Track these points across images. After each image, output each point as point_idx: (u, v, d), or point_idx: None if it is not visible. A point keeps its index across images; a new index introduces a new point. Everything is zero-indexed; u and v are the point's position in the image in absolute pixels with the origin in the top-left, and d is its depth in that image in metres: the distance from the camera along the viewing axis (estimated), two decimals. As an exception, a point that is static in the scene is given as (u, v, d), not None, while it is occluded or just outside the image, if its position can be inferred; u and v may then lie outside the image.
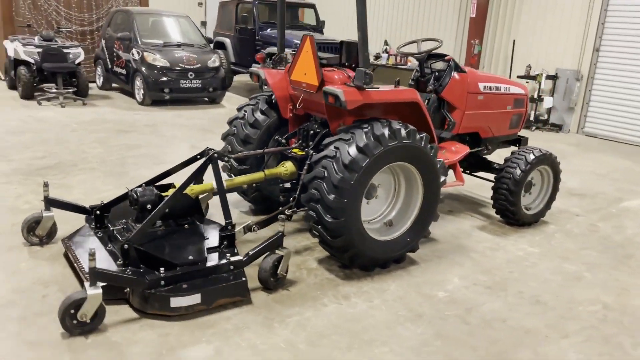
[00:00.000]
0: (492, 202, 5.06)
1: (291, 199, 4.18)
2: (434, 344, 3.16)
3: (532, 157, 4.90)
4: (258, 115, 4.70)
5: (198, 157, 4.04)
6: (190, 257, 3.40)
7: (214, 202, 4.70)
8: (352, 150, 3.64)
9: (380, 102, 3.92)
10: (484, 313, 3.53)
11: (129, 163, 6.36)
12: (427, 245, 4.53)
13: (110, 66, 11.13)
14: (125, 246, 3.35)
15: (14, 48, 9.98)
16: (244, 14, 11.78)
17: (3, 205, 4.80)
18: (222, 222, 3.78)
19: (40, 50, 9.68)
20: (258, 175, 4.33)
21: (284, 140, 4.61)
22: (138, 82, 10.12)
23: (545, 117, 10.60)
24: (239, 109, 4.86)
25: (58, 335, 2.97)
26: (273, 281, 3.62)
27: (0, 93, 10.51)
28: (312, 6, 12.77)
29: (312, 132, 4.43)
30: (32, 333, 2.99)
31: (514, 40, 10.93)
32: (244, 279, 3.42)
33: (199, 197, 4.15)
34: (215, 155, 3.90)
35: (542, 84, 10.29)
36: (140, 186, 3.85)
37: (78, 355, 2.83)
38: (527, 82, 10.84)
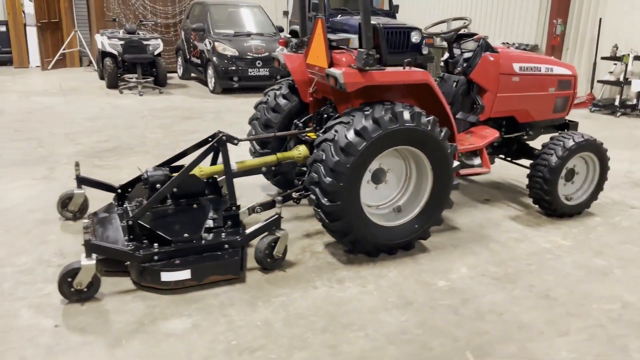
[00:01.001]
0: (532, 190, 4.76)
1: (300, 182, 4.20)
2: (414, 332, 3.06)
3: (571, 143, 4.53)
4: (280, 99, 4.76)
5: (210, 139, 4.17)
6: (185, 235, 3.55)
7: (245, 184, 4.89)
8: (350, 133, 3.59)
9: (386, 84, 3.81)
10: (481, 305, 3.36)
11: (180, 147, 6.68)
12: (445, 233, 4.37)
13: (188, 56, 11.70)
14: (130, 222, 3.57)
15: (101, 41, 10.81)
16: (315, 2, 11.85)
17: (57, 184, 5.26)
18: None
19: (122, 42, 10.39)
20: (271, 158, 4.39)
21: (300, 124, 4.64)
22: (210, 71, 10.56)
23: (634, 101, 9.67)
24: (264, 94, 4.94)
25: (58, 301, 3.24)
26: (270, 262, 3.68)
27: (92, 82, 11.45)
28: (386, -9, 12.56)
29: (326, 115, 4.41)
30: (35, 298, 3.28)
31: (600, 19, 10.05)
32: (236, 257, 3.51)
33: (217, 180, 4.32)
34: (224, 138, 4.01)
35: (629, 65, 9.38)
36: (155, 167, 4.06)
37: (69, 320, 3.07)
38: (614, 65, 9.97)
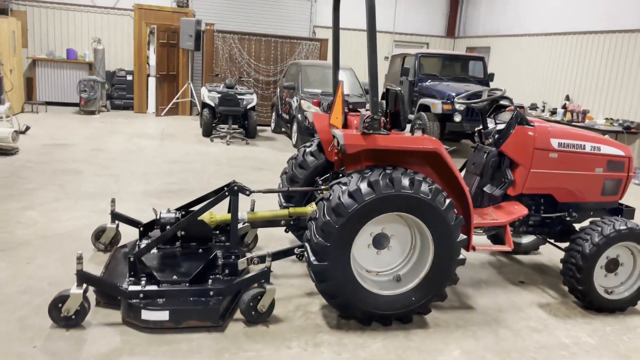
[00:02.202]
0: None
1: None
2: (364, 410, 2.88)
3: (609, 229, 4.09)
4: (308, 156, 4.86)
5: (225, 188, 4.34)
6: (174, 277, 3.68)
7: (275, 235, 4.98)
8: (344, 194, 3.57)
9: (392, 149, 3.75)
10: (453, 394, 3.07)
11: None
12: (454, 311, 4.09)
13: (280, 112, 12.30)
14: (132, 259, 3.78)
15: (203, 93, 11.75)
16: (406, 67, 11.99)
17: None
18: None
19: (219, 95, 11.21)
20: (283, 212, 4.46)
21: (320, 182, 4.67)
22: (294, 127, 10.99)
23: None
24: (298, 150, 5.07)
25: (48, 323, 3.48)
26: (254, 315, 3.68)
27: (192, 130, 12.38)
28: (481, 59, 12.38)
29: (341, 175, 4.41)
30: (32, 316, 3.55)
31: None
32: (217, 306, 3.56)
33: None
34: (235, 188, 4.17)
35: None
36: (168, 210, 4.30)
37: (48, 343, 3.29)
38: None
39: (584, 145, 4.40)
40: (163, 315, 3.48)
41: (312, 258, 3.60)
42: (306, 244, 3.71)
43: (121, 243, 4.76)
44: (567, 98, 12.59)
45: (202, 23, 13.78)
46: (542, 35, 13.97)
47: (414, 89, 11.74)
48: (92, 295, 3.69)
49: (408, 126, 4.38)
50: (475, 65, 12.48)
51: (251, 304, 3.66)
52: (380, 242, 3.85)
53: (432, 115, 10.50)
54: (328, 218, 3.54)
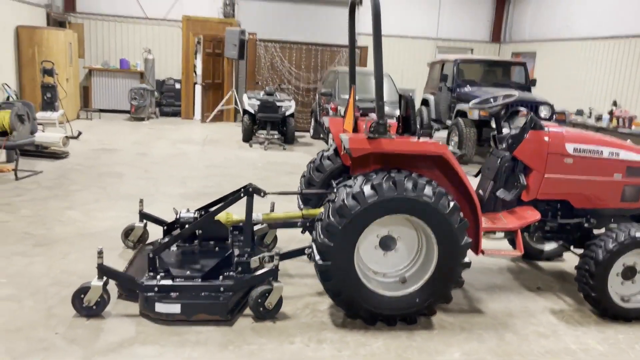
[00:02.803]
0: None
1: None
2: (354, 404, 2.98)
3: (624, 237, 4.01)
4: (325, 160, 5.00)
5: (242, 189, 4.52)
6: (188, 273, 3.90)
7: (296, 237, 5.16)
8: (347, 196, 3.68)
9: (397, 153, 3.84)
10: (446, 393, 3.13)
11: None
12: (462, 314, 4.12)
13: (318, 118, 12.50)
14: (151, 255, 4.03)
15: (244, 100, 12.10)
16: (445, 73, 11.94)
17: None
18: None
19: (259, 102, 11.52)
20: (296, 214, 4.61)
21: (334, 185, 4.78)
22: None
23: None
24: (317, 154, 5.21)
25: (72, 313, 3.76)
26: (262, 311, 3.84)
27: (233, 136, 12.75)
28: (522, 64, 12.17)
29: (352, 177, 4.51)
30: (59, 306, 3.84)
31: None
32: (224, 301, 3.75)
33: (254, 228, 4.66)
34: (250, 189, 4.36)
35: None
36: (188, 210, 4.54)
37: (69, 330, 3.56)
38: None
39: (602, 151, 4.34)
40: (175, 308, 3.70)
41: (317, 257, 3.72)
42: (312, 244, 3.85)
43: (149, 241, 5.03)
44: (615, 104, 12.19)
45: (246, 33, 14.18)
46: (590, 39, 13.58)
47: (452, 95, 11.67)
48: (113, 288, 3.95)
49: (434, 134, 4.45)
50: (517, 70, 12.29)
51: (259, 300, 3.82)
52: (387, 244, 3.93)
53: (469, 121, 10.41)
54: (332, 219, 3.67)
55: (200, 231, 4.35)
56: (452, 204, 3.73)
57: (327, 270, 3.70)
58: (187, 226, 4.33)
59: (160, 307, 3.70)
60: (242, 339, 3.58)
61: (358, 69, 12.67)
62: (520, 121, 4.57)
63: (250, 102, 11.79)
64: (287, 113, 11.70)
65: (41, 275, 4.38)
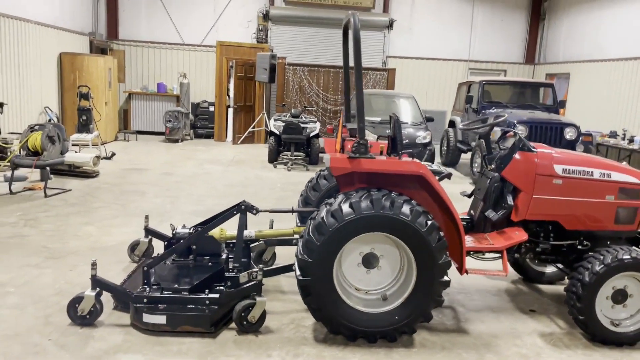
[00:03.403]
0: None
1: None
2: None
3: (610, 258, 3.95)
4: (321, 180, 5.14)
5: (235, 207, 4.70)
6: (176, 285, 4.07)
7: (290, 254, 5.29)
8: (326, 213, 3.80)
9: (378, 173, 3.93)
10: (409, 409, 3.15)
11: (277, 218, 7.35)
12: (446, 334, 4.13)
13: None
14: (145, 268, 4.24)
15: (270, 122, 12.40)
16: (470, 94, 11.91)
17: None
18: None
19: (284, 124, 11.79)
20: (287, 231, 4.73)
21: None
22: (353, 154, 11.28)
23: None
24: (316, 173, 5.35)
25: (67, 320, 3.99)
26: (246, 325, 3.97)
27: (260, 157, 13.03)
28: (550, 85, 12.02)
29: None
30: (57, 314, 4.08)
31: None
32: (208, 313, 3.89)
33: (250, 245, 4.83)
34: (243, 207, 4.53)
35: None
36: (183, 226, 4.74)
37: (61, 337, 3.78)
38: None
39: (592, 172, 4.30)
40: (161, 319, 3.87)
41: (298, 273, 3.84)
42: (295, 260, 3.96)
43: (154, 255, 5.26)
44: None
45: (276, 57, 14.57)
46: (623, 59, 13.29)
47: (477, 117, 11.62)
48: (109, 299, 4.17)
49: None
50: (545, 92, 12.14)
51: (242, 314, 3.95)
52: (369, 261, 4.01)
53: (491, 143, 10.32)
54: (312, 236, 3.78)
55: (194, 247, 4.53)
56: (430, 222, 3.78)
57: (307, 285, 3.81)
58: (182, 241, 4.52)
59: (148, 318, 3.88)
60: (221, 351, 3.71)
61: (379, 91, 12.83)
62: (510, 142, 4.58)
63: (275, 124, 12.07)
64: (312, 134, 11.91)
65: (47, 285, 4.65)
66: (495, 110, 11.36)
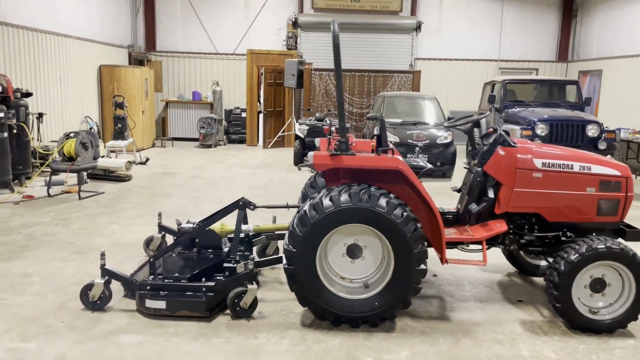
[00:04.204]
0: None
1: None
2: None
3: (585, 248, 4.08)
4: (318, 177, 5.43)
5: (234, 203, 5.04)
6: (176, 274, 4.45)
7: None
8: (309, 207, 4.10)
9: (359, 169, 4.20)
10: (375, 384, 3.40)
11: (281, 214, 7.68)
12: (429, 321, 4.35)
13: (367, 142, 12.89)
14: (151, 259, 4.64)
15: (295, 126, 12.78)
16: (492, 94, 11.94)
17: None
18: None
19: (307, 127, 12.14)
20: (283, 225, 5.05)
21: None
22: (375, 155, 11.51)
23: None
24: (314, 172, 5.65)
25: (81, 306, 4.43)
26: (239, 311, 4.30)
27: (287, 160, 13.43)
28: (575, 83, 11.90)
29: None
30: (73, 301, 4.53)
31: None
32: (204, 299, 4.25)
33: (253, 240, 5.19)
34: (241, 203, 4.89)
35: None
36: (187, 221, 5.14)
37: (74, 319, 4.22)
38: None
39: (572, 165, 4.43)
40: (161, 304, 4.25)
41: (284, 262, 4.15)
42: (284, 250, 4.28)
43: (166, 250, 5.68)
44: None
45: (303, 63, 14.95)
46: (655, 54, 13.01)
47: (499, 116, 11.65)
48: (120, 288, 4.59)
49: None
50: (570, 89, 12.04)
51: (235, 300, 4.29)
52: (354, 252, 4.27)
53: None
54: (295, 227, 4.09)
55: (197, 240, 4.92)
56: (405, 214, 4.02)
57: (292, 274, 4.11)
58: (186, 235, 4.91)
59: (150, 303, 4.28)
60: (213, 333, 4.06)
61: (402, 93, 13.00)
62: (492, 138, 4.75)
63: (300, 128, 12.44)
64: (335, 137, 12.19)
65: (68, 276, 5.12)
66: (518, 109, 11.37)
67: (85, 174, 9.34)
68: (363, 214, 4.02)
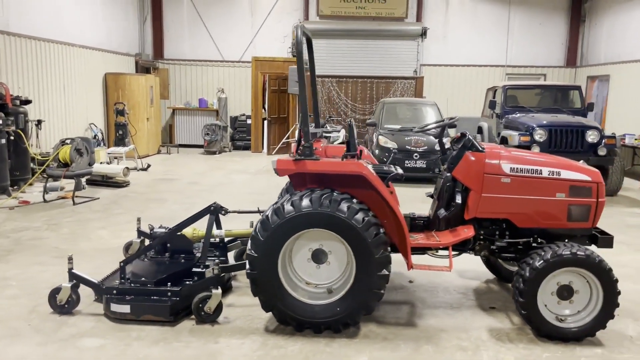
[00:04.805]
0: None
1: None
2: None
3: (550, 254, 4.01)
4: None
5: (206, 208, 5.07)
6: (143, 279, 4.48)
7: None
8: (271, 212, 4.10)
9: (321, 173, 4.20)
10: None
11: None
12: (394, 327, 4.31)
13: (368, 147, 12.87)
14: (121, 264, 4.68)
15: (296, 133, 12.83)
16: (492, 100, 11.83)
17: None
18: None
19: (307, 134, 12.15)
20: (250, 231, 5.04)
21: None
22: (373, 162, 11.48)
23: None
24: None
25: (48, 308, 4.48)
26: (203, 315, 4.31)
27: (290, 167, 13.45)
28: (577, 88, 11.74)
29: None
30: (44, 305, 4.58)
31: None
32: (167, 303, 4.27)
33: (228, 245, 5.21)
34: (212, 207, 4.91)
35: None
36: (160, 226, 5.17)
37: (40, 322, 4.27)
38: None
39: (540, 170, 4.37)
40: (126, 309, 4.28)
41: (247, 267, 4.15)
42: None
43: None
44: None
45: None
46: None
47: (499, 122, 11.54)
48: (91, 292, 4.63)
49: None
50: (574, 95, 11.88)
51: (200, 305, 4.30)
52: (319, 257, 4.26)
53: (510, 148, 10.24)
54: (257, 232, 4.09)
55: (169, 245, 4.95)
56: (366, 219, 4.00)
57: (255, 278, 4.11)
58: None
59: (115, 307, 4.31)
60: (175, 338, 4.07)
61: (402, 99, 12.98)
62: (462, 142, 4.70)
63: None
64: (335, 143, 12.19)
65: (45, 281, 5.18)
66: (518, 115, 11.24)
67: (84, 180, 9.48)
68: (324, 218, 4.01)
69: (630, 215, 8.73)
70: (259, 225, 4.10)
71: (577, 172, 4.40)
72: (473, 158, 4.46)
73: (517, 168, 4.37)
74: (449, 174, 4.62)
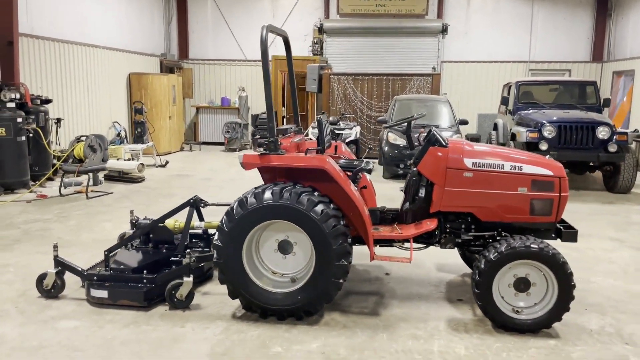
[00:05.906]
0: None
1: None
2: (186, 372, 3.56)
3: (504, 247, 4.08)
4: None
5: (187, 201, 5.31)
6: (122, 266, 4.76)
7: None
8: (237, 203, 4.31)
9: (285, 167, 4.38)
10: (270, 372, 3.56)
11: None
12: (357, 316, 4.45)
13: (380, 145, 12.94)
14: (105, 252, 4.98)
15: (309, 130, 13.00)
16: (505, 96, 11.72)
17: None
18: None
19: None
20: (232, 222, 5.26)
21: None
22: (383, 159, 11.56)
23: None
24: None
25: (37, 293, 4.81)
26: (176, 301, 4.55)
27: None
28: (593, 83, 11.51)
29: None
30: (34, 289, 4.92)
31: None
32: (142, 290, 4.53)
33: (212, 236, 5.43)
34: (192, 200, 5.16)
35: None
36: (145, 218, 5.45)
37: (28, 305, 4.60)
38: None
39: (502, 165, 4.43)
40: (104, 294, 4.57)
41: (214, 255, 4.37)
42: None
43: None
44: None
45: (324, 68, 15.17)
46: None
47: (512, 118, 11.43)
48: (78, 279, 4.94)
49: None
50: (590, 90, 11.65)
51: (172, 292, 4.55)
52: (285, 247, 4.44)
53: (519, 144, 10.17)
54: (223, 223, 4.31)
55: (151, 235, 5.22)
56: (325, 211, 4.15)
57: (221, 267, 4.33)
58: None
59: (94, 292, 4.60)
60: (145, 321, 4.33)
61: (415, 96, 12.99)
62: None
63: (312, 131, 12.59)
64: (347, 140, 12.31)
65: (42, 268, 5.50)
66: (530, 111, 11.12)
67: (101, 175, 9.93)
68: (284, 210, 4.18)
69: (637, 213, 8.56)
70: (225, 216, 4.31)
71: (540, 166, 4.43)
72: (436, 153, 4.55)
73: (479, 163, 4.44)
74: (415, 169, 4.72)
